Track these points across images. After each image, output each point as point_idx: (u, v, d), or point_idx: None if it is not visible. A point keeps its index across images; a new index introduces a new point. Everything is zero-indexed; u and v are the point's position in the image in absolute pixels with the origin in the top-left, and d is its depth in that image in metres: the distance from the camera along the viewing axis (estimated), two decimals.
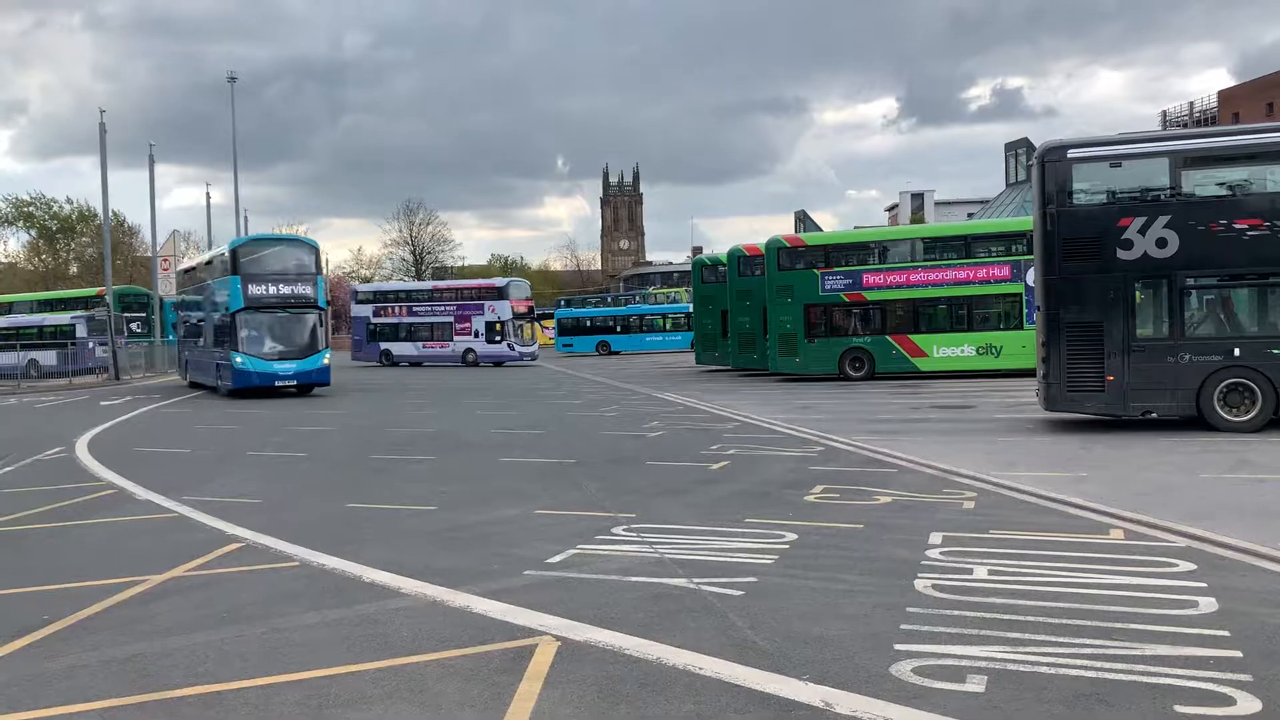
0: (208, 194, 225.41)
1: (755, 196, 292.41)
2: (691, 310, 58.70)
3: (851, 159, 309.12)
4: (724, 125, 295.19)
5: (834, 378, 38.27)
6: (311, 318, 40.93)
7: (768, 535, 11.52)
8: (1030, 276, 35.09)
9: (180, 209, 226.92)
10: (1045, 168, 20.04)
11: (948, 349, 38.85)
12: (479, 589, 9.59)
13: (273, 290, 40.52)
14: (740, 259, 45.88)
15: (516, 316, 65.96)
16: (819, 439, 19.53)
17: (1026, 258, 36.97)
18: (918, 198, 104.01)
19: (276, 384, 40.29)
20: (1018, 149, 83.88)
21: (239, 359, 40.25)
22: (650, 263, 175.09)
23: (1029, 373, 33.91)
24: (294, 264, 41.33)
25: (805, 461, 16.98)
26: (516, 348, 65.62)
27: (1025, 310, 37.16)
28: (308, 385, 41.11)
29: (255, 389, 40.07)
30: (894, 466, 16.20)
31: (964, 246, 39.32)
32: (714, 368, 48.25)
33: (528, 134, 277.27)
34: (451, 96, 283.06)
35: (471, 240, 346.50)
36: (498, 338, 65.97)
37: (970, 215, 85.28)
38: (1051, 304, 20.03)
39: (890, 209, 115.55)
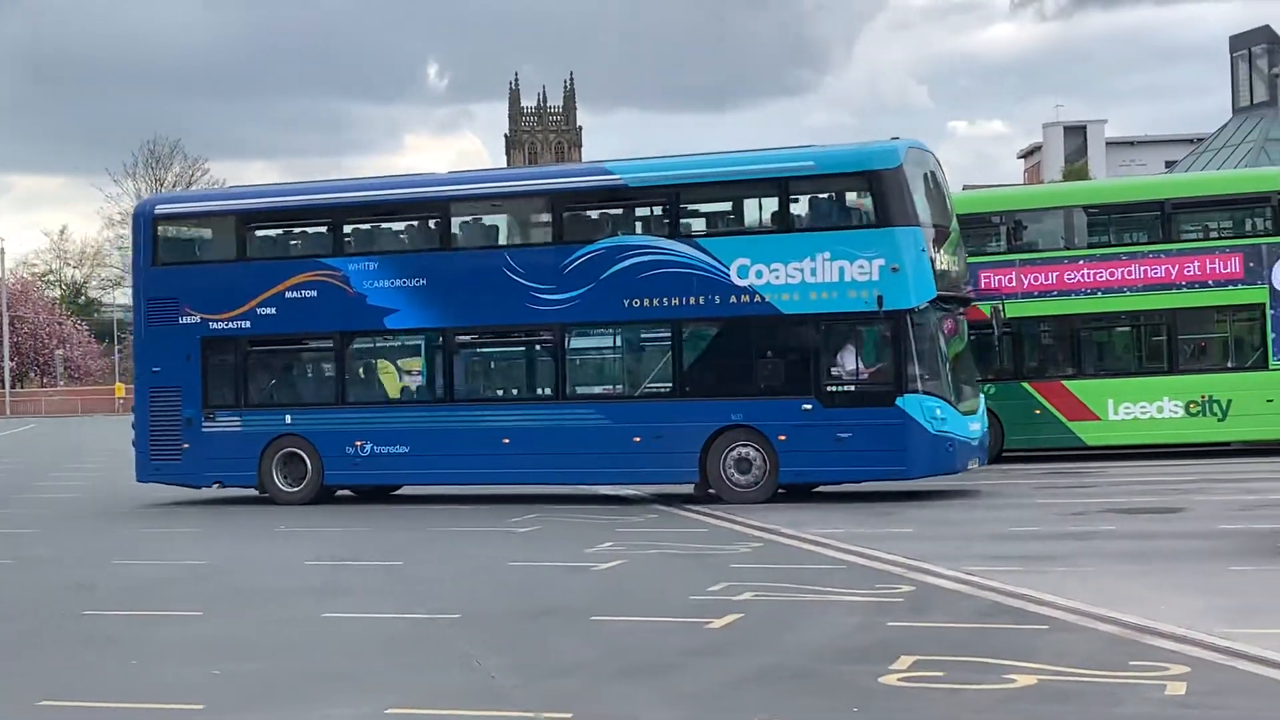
0: None
1: (787, 130, 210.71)
2: None
3: (957, 67, 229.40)
4: (730, 5, 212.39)
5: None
6: None
7: None
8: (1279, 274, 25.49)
9: None
10: None
11: (1134, 404, 26.62)
12: None
13: None
14: None
15: None
16: (905, 571, 15.40)
17: (1274, 240, 26.09)
18: (1076, 133, 77.94)
19: None
20: (1253, 46, 57.86)
21: None
22: None
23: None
24: None
25: (880, 612, 13.06)
26: None
27: (1272, 334, 25.87)
28: None
29: None
30: (1040, 620, 12.31)
31: (1160, 221, 27.00)
32: None
33: (373, 24, 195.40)
34: None
35: None
36: None
37: (1170, 165, 62.07)
38: None
39: (1027, 153, 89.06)
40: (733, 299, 20.78)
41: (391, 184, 24.72)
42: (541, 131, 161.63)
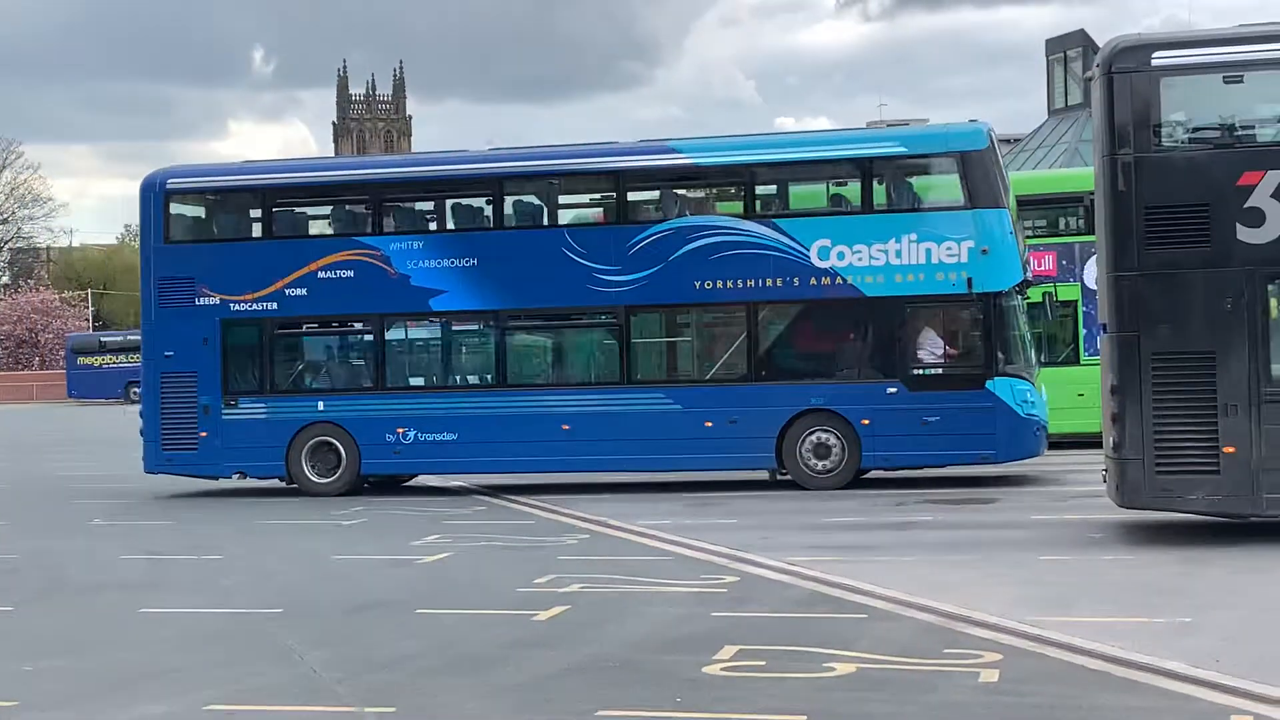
0: None
1: (618, 123, 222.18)
2: None
3: (785, 64, 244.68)
4: None
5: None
6: None
7: None
8: (1090, 272, 25.91)
9: None
10: (1116, 83, 15.51)
11: None
12: None
13: None
14: None
15: None
16: (729, 561, 15.46)
17: (1085, 239, 27.02)
18: None
19: None
20: (1068, 49, 60.75)
21: None
22: None
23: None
24: None
25: (705, 602, 13.22)
26: None
27: (1084, 331, 28.01)
28: None
29: None
30: (860, 609, 12.59)
31: None
32: None
33: (199, 6, 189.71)
34: None
35: (90, 197, 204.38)
36: None
37: None
38: (1128, 319, 15.38)
39: None
40: (812, 280, 20.30)
41: (438, 160, 23.83)
42: (370, 120, 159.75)
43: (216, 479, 22.52)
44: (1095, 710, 8.85)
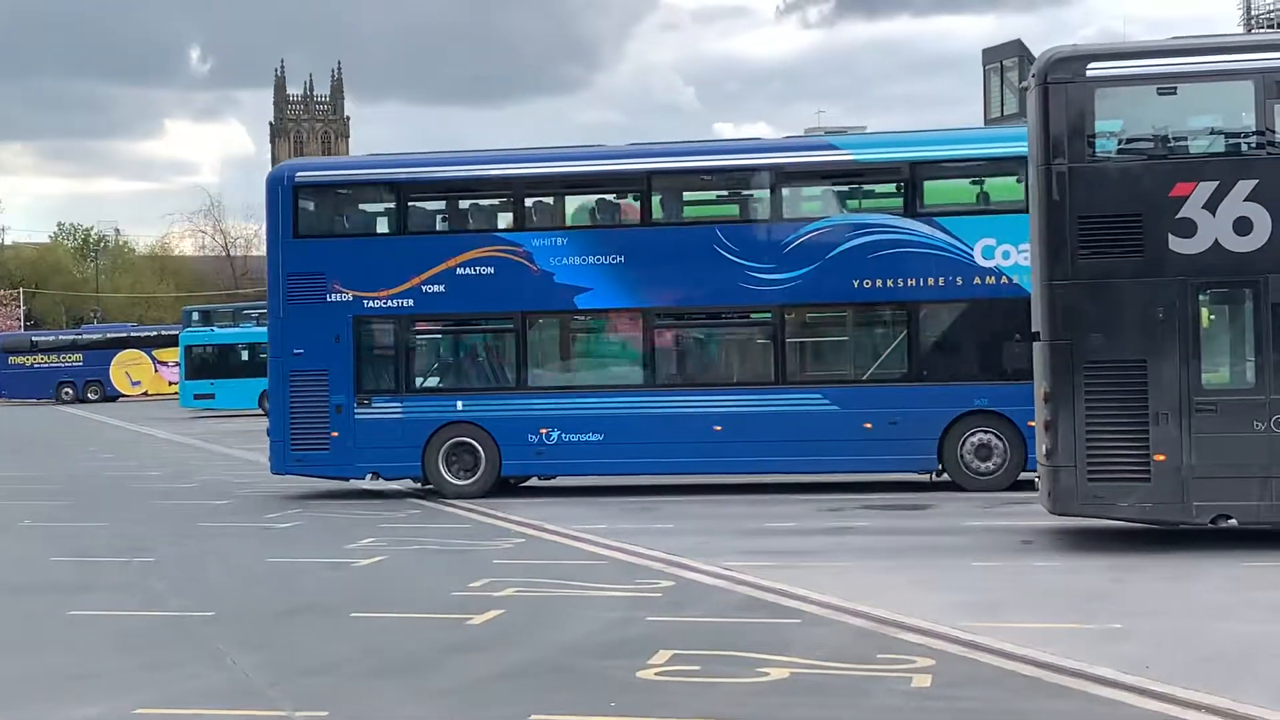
0: None
1: (557, 126, 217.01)
2: None
3: (724, 70, 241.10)
4: (499, 1, 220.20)
5: None
6: None
7: None
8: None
9: None
10: (1051, 94, 15.63)
11: None
12: None
13: None
14: None
15: None
16: (665, 566, 15.48)
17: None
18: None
19: None
20: (1004, 59, 61.20)
21: None
22: None
23: None
24: None
25: (641, 606, 13.20)
26: None
27: None
28: None
29: None
30: (794, 614, 12.58)
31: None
32: None
33: (134, 2, 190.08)
34: None
35: (23, 195, 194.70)
36: None
37: None
38: (1061, 327, 15.61)
39: None
40: (976, 280, 19.95)
41: (583, 155, 23.01)
42: (308, 120, 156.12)
43: (348, 480, 21.98)
44: (1026, 716, 8.92)
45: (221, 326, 57.58)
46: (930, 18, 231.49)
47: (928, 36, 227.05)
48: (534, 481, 22.36)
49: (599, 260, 21.10)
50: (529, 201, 21.96)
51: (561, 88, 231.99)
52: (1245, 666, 10.10)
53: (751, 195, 21.94)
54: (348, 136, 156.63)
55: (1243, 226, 15.22)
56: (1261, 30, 50.64)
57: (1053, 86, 16.33)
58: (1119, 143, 16.75)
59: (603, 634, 11.93)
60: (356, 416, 21.21)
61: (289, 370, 21.53)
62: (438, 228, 22.45)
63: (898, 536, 17.81)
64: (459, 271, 21.16)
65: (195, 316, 62.47)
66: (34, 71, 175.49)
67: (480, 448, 21.02)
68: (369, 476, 21.52)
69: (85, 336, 69.91)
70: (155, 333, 69.07)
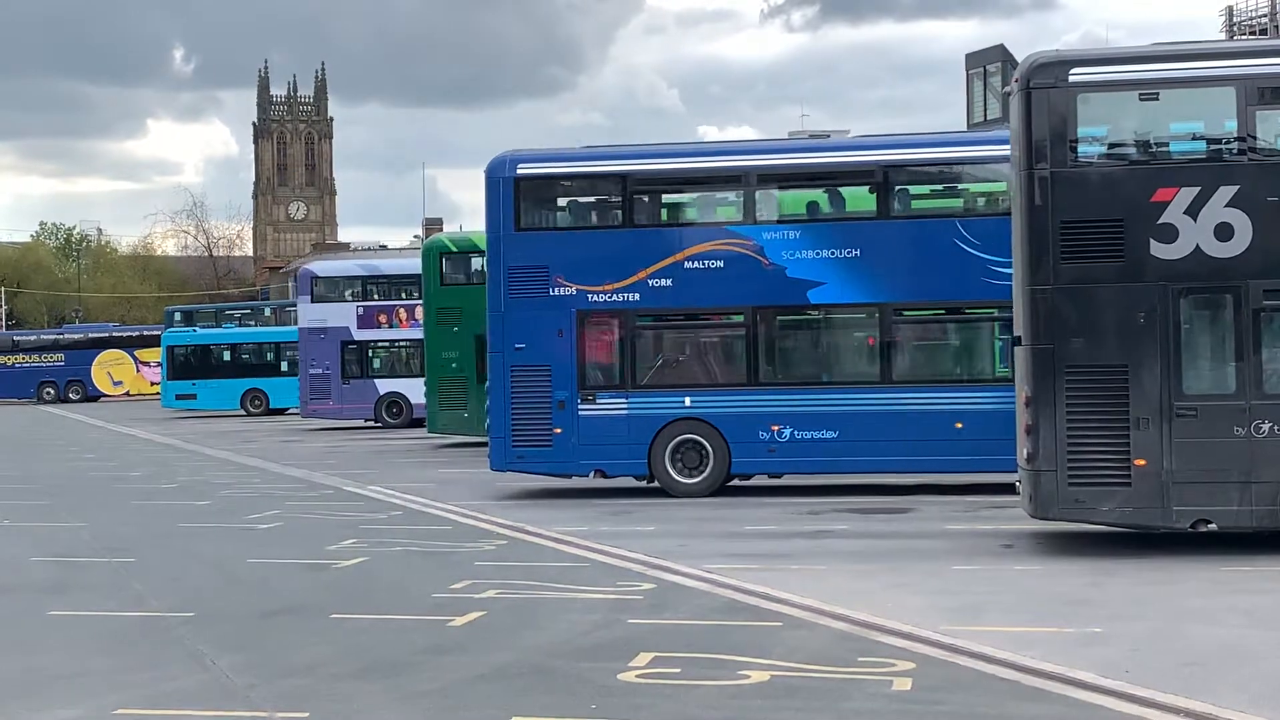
0: None
1: (539, 129, 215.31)
2: (423, 333, 36.55)
3: (708, 73, 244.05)
4: (482, 2, 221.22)
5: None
6: None
7: None
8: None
9: None
10: (1034, 99, 15.59)
11: None
12: None
13: None
14: (444, 255, 33.69)
15: None
16: (646, 569, 15.44)
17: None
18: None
19: None
20: (988, 64, 60.05)
21: None
22: (346, 245, 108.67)
23: None
24: None
25: (622, 609, 13.16)
26: None
27: None
28: None
29: None
30: (775, 617, 12.58)
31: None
32: (464, 439, 34.52)
33: (117, 2, 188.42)
34: None
35: (3, 194, 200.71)
36: None
37: None
38: (1043, 332, 15.63)
39: None
40: None
41: (817, 148, 22.69)
42: (292, 121, 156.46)
43: (570, 477, 21.53)
44: (1006, 719, 8.93)
45: (204, 327, 57.89)
46: (913, 22, 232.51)
47: (911, 41, 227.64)
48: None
49: (833, 254, 20.80)
50: (759, 194, 21.46)
51: (545, 90, 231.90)
52: (1224, 670, 10.15)
53: (990, 190, 21.69)
54: (331, 137, 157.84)
55: (1224, 232, 15.23)
56: (1244, 36, 50.81)
57: (1035, 91, 16.30)
58: (1101, 148, 16.73)
59: (584, 636, 11.96)
60: (580, 413, 20.89)
61: (510, 365, 21.15)
62: (664, 220, 22.16)
63: (878, 540, 17.85)
64: (687, 265, 20.95)
65: (177, 317, 62.80)
66: (16, 71, 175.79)
67: (708, 445, 20.71)
68: (592, 474, 21.21)
69: (67, 336, 69.78)
70: (137, 333, 69.03)
